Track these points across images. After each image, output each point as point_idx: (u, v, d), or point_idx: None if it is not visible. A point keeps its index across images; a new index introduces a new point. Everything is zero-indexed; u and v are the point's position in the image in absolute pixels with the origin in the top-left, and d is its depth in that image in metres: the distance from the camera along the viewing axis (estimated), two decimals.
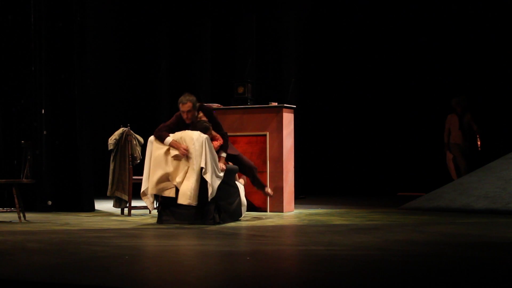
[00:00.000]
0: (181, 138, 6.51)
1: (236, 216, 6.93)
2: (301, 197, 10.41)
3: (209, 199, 6.42)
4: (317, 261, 4.27)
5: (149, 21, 12.08)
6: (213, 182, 6.41)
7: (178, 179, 6.45)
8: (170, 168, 6.49)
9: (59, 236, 5.68)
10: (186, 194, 6.37)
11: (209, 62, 11.72)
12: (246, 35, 11.35)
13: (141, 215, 7.78)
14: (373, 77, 11.61)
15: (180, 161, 6.48)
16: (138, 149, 7.81)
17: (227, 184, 6.76)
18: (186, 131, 6.65)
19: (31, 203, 8.10)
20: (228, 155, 7.04)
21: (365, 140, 11.68)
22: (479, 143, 9.87)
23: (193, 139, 6.44)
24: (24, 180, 6.97)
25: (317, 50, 11.90)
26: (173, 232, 5.92)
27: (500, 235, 5.70)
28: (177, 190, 6.47)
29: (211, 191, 6.39)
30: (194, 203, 6.37)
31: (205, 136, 6.50)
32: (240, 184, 7.24)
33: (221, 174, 6.59)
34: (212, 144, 6.57)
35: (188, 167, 6.44)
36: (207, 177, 6.37)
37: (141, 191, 6.61)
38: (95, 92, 10.08)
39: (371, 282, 3.57)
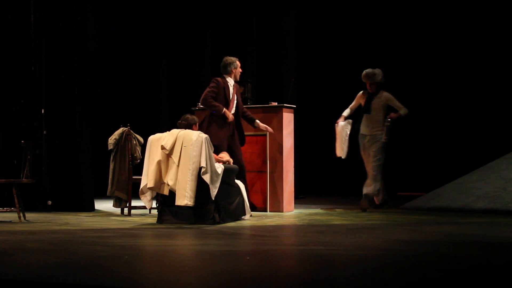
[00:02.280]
0: (183, 138, 6.50)
1: (237, 215, 6.92)
2: (301, 197, 10.41)
3: (212, 198, 6.42)
4: (317, 261, 4.27)
5: (149, 21, 12.08)
6: (213, 182, 6.41)
7: (170, 181, 6.43)
8: (161, 157, 6.48)
9: (59, 236, 5.68)
10: (183, 195, 6.35)
11: (209, 62, 11.71)
12: (246, 35, 11.34)
13: (141, 215, 7.78)
14: None
15: (167, 154, 6.47)
16: (138, 149, 7.82)
17: (227, 184, 6.75)
18: (186, 130, 6.65)
19: (31, 203, 8.09)
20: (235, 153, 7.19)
21: None
22: (384, 130, 8.14)
23: (192, 139, 6.44)
24: (24, 180, 6.97)
25: (317, 50, 11.89)
26: (173, 232, 5.92)
27: (500, 235, 5.70)
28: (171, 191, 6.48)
29: (213, 191, 6.38)
30: (191, 204, 6.35)
31: (205, 136, 6.50)
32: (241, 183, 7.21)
33: (220, 171, 6.56)
34: (210, 141, 6.56)
35: (178, 166, 6.42)
36: (207, 177, 6.35)
37: (139, 189, 6.61)
38: (95, 92, 10.08)
39: (371, 282, 3.57)
